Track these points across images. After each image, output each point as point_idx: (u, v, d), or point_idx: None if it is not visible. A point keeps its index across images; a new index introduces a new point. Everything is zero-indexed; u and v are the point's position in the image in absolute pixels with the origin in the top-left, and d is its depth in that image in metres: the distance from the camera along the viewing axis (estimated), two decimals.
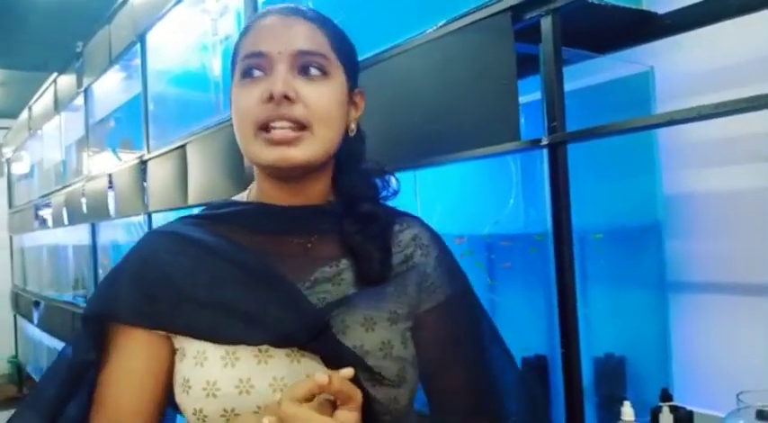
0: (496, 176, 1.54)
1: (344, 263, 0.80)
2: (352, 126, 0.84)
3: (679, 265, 1.36)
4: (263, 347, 0.73)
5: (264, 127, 0.75)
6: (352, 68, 0.84)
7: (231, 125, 2.07)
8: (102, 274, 3.62)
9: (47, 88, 4.63)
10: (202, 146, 2.21)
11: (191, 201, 2.27)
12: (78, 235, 4.00)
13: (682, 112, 0.96)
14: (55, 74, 4.37)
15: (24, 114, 5.46)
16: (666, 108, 1.32)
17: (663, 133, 1.36)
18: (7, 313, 6.54)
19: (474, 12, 1.18)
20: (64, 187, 4.16)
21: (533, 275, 1.36)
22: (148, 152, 2.70)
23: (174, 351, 0.78)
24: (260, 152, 0.76)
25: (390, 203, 0.88)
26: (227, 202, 0.88)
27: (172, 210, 2.53)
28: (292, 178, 0.80)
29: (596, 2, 1.13)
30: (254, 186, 0.87)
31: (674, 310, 1.36)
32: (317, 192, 0.83)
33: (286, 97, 0.74)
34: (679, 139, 1.36)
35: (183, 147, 2.32)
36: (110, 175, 3.14)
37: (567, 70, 1.12)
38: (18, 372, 6.44)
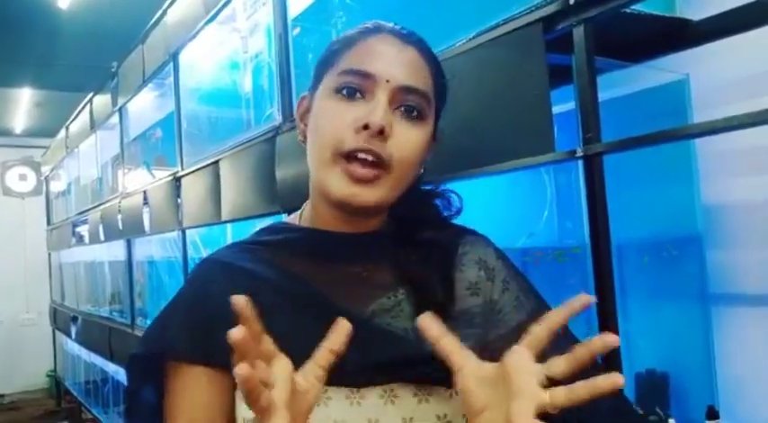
0: (530, 188, 1.52)
1: (402, 292, 0.75)
2: (421, 169, 0.79)
3: (721, 277, 1.32)
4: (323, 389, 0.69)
5: (347, 156, 0.70)
6: (441, 108, 0.79)
7: (262, 141, 2.08)
8: (137, 288, 3.68)
9: (83, 108, 4.74)
10: (235, 162, 2.23)
11: (224, 216, 2.30)
12: (114, 251, 4.08)
13: (720, 122, 0.93)
14: (91, 94, 4.48)
15: (62, 134, 5.60)
16: (703, 116, 1.29)
17: (700, 141, 1.34)
18: (46, 328, 6.69)
19: (504, 23, 1.18)
20: (100, 204, 4.25)
21: (570, 289, 1.34)
22: (182, 169, 2.74)
23: (235, 385, 0.74)
24: (334, 183, 0.71)
25: None
26: (281, 226, 0.85)
27: (205, 225, 2.56)
28: (358, 213, 0.75)
29: (629, 11, 1.11)
30: (307, 207, 0.82)
31: (717, 324, 1.32)
32: (376, 220, 0.79)
33: (381, 131, 0.69)
34: (717, 146, 1.33)
35: (215, 163, 2.35)
36: (145, 192, 3.20)
37: (600, 79, 1.10)
38: (57, 386, 6.57)
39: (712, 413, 1.15)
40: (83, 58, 4.71)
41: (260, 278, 0.76)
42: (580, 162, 1.07)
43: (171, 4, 2.81)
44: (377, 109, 0.69)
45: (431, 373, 0.69)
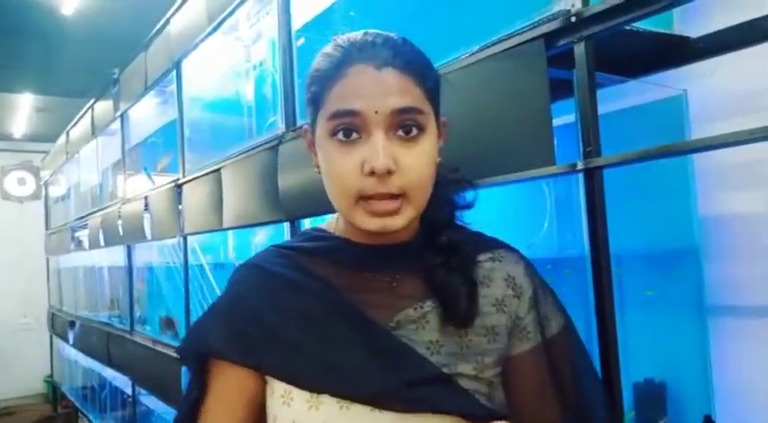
0: (530, 200, 1.54)
1: (429, 304, 0.78)
2: (438, 160, 0.79)
3: (718, 289, 1.35)
4: None
5: (365, 198, 0.72)
6: (438, 100, 0.80)
7: (265, 150, 2.08)
8: (136, 294, 3.69)
9: (84, 113, 4.75)
10: (237, 169, 2.25)
11: (225, 223, 2.31)
12: (114, 256, 4.08)
13: (718, 138, 0.95)
14: (92, 100, 4.50)
15: (62, 139, 5.60)
16: (700, 130, 1.32)
17: (697, 155, 1.36)
18: (44, 333, 6.68)
19: (507, 39, 1.20)
20: (100, 209, 4.25)
21: (570, 300, 1.35)
22: (184, 176, 2.75)
23: (266, 384, 0.79)
24: (362, 221, 0.74)
25: None
26: (316, 234, 0.87)
27: (207, 232, 2.58)
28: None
29: (629, 28, 1.14)
30: (340, 217, 0.85)
31: (714, 335, 1.34)
32: (405, 232, 0.80)
33: (388, 172, 0.70)
34: (714, 160, 1.35)
35: (217, 170, 2.37)
36: (146, 198, 3.21)
37: (599, 93, 1.12)
38: (53, 391, 6.55)
39: None
40: (85, 64, 4.74)
41: (292, 283, 0.81)
42: (580, 175, 1.09)
43: (174, 12, 2.83)
44: (377, 149, 0.70)
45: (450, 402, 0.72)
